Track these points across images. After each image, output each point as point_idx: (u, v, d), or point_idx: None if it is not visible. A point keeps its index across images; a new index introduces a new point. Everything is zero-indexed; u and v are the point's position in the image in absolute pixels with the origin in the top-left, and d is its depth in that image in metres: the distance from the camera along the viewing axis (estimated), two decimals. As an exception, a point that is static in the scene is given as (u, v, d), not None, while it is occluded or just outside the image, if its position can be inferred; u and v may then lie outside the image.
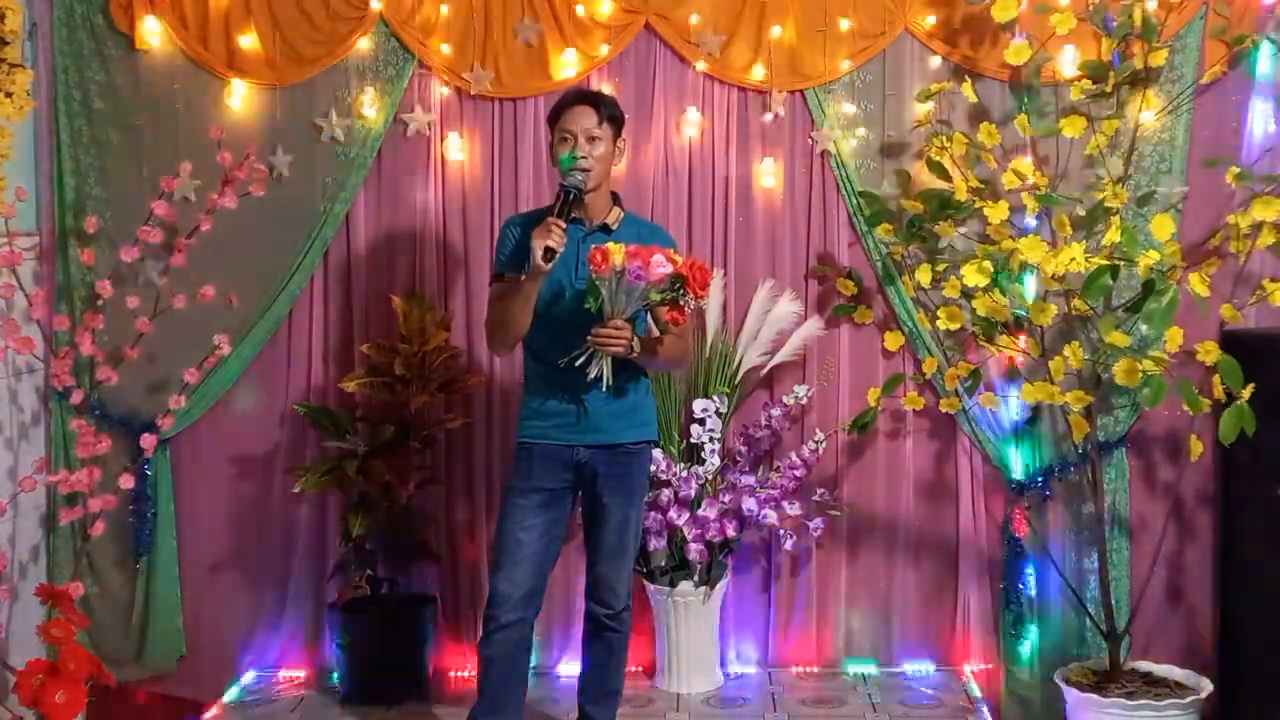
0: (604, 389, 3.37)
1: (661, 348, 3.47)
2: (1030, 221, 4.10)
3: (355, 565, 4.28)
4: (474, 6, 4.32)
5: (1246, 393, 3.69)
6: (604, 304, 3.29)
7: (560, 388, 3.47)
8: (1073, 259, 3.75)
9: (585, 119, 3.43)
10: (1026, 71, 4.15)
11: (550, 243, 3.25)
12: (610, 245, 3.29)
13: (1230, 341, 3.94)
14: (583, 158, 3.39)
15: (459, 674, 4.48)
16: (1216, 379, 3.76)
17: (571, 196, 3.36)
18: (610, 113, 3.48)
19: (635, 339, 3.35)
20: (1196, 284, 3.82)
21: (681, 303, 3.34)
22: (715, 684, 4.35)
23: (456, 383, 4.33)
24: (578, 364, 3.34)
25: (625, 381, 3.47)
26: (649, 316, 3.50)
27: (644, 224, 3.64)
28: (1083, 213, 3.97)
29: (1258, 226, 3.95)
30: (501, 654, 3.46)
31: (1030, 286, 4.12)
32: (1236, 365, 3.71)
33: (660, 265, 3.25)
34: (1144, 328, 4.01)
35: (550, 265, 3.28)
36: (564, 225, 3.29)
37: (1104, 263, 3.73)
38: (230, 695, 4.35)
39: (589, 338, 3.31)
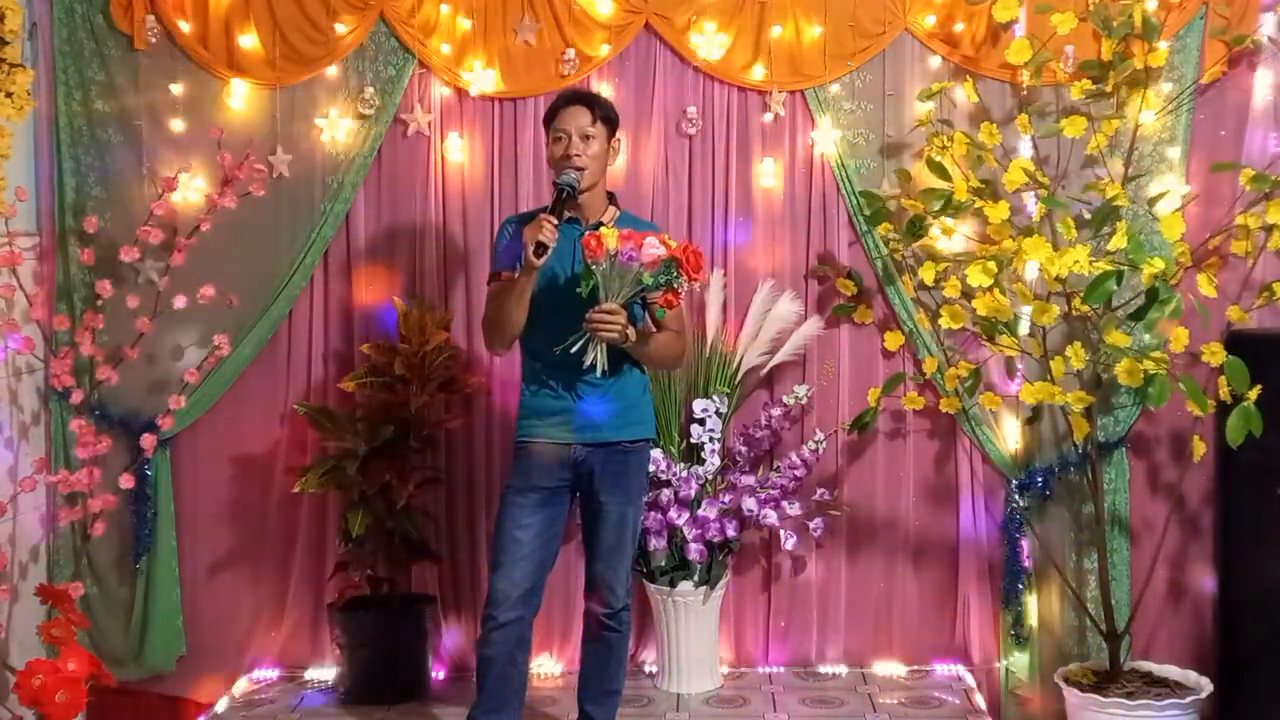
0: (599, 374, 3.39)
1: (656, 339, 3.49)
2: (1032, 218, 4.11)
3: (355, 565, 4.29)
4: (474, 6, 4.32)
5: (1253, 394, 3.68)
6: (598, 288, 3.30)
7: (558, 386, 3.48)
8: (1076, 261, 3.75)
9: (579, 118, 3.46)
10: (1027, 71, 4.15)
11: (542, 238, 3.28)
12: (604, 230, 3.33)
13: (1235, 342, 3.93)
14: (576, 156, 3.41)
15: (458, 674, 4.48)
16: (1222, 380, 3.75)
17: (565, 194, 3.38)
18: (604, 113, 3.52)
19: (630, 327, 3.37)
20: (1204, 285, 3.81)
21: (676, 285, 3.36)
22: (715, 684, 4.35)
23: (456, 383, 4.33)
24: (573, 350, 3.35)
25: (622, 379, 3.49)
26: (645, 314, 3.51)
27: (640, 222, 3.64)
28: (1089, 215, 3.98)
29: (1268, 229, 3.94)
30: (500, 653, 3.46)
31: (1030, 275, 4.11)
32: (1244, 367, 3.70)
33: (653, 247, 3.29)
34: (1145, 337, 3.99)
35: (542, 261, 3.30)
36: (556, 221, 3.31)
37: (1108, 268, 3.73)
38: (230, 695, 4.35)
39: (585, 322, 3.32)
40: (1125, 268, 3.74)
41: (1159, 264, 3.67)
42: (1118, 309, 4.02)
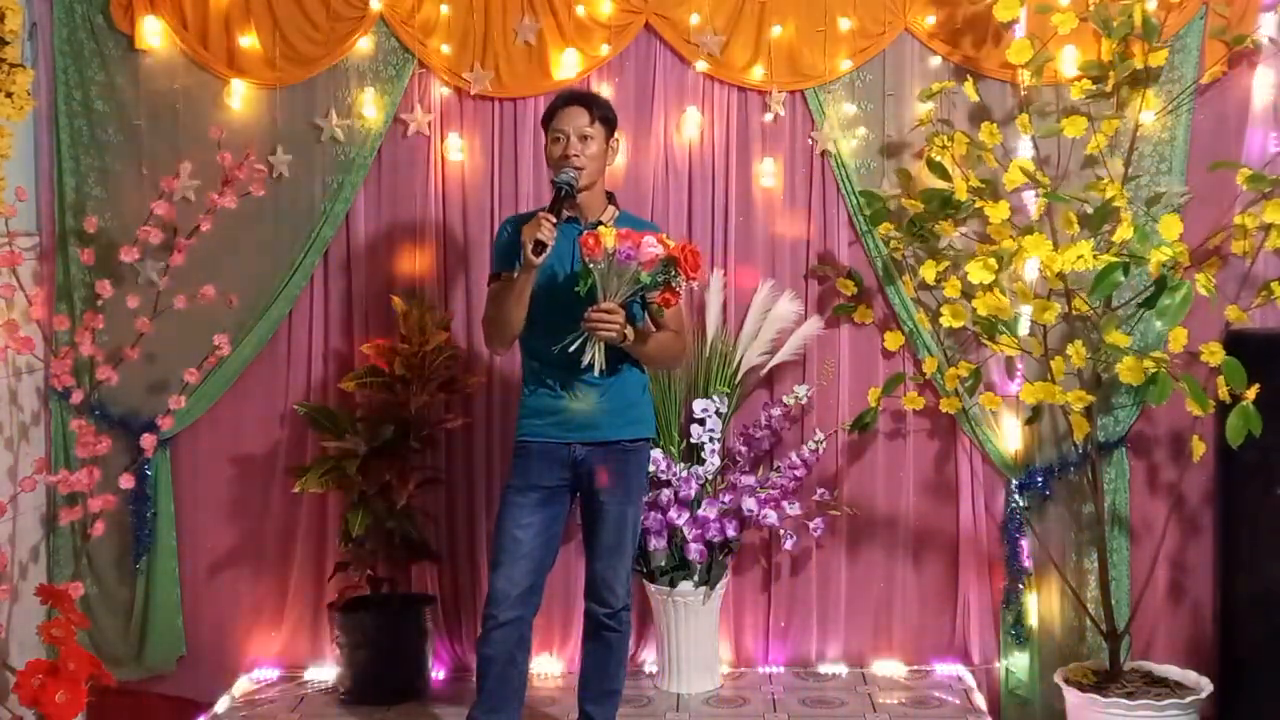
0: (597, 374, 3.39)
1: (656, 338, 3.50)
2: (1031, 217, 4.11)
3: (355, 565, 4.29)
4: (474, 6, 4.32)
5: (1251, 394, 3.68)
6: (596, 287, 3.31)
7: (556, 386, 3.48)
8: (1080, 257, 3.75)
9: (578, 118, 3.48)
10: (1027, 71, 4.15)
11: (540, 236, 3.29)
12: (602, 229, 3.34)
13: (1235, 342, 3.93)
14: (575, 155, 3.42)
15: (458, 674, 4.48)
16: (1221, 380, 3.76)
17: (563, 193, 3.39)
18: (603, 113, 3.53)
19: (629, 327, 3.37)
20: (1203, 284, 3.82)
21: (674, 284, 3.37)
22: (715, 684, 4.35)
23: (456, 383, 4.33)
24: (571, 350, 3.36)
25: (621, 378, 3.50)
26: (645, 313, 3.52)
27: (640, 222, 3.65)
28: (1090, 211, 3.98)
29: (1266, 228, 3.94)
30: (500, 652, 3.46)
31: (1031, 275, 4.11)
32: (1240, 367, 3.70)
33: (651, 246, 3.29)
34: (1157, 324, 3.97)
35: (541, 259, 3.31)
36: (554, 220, 3.31)
37: (1114, 260, 3.73)
38: (231, 695, 4.35)
39: (583, 321, 3.33)
40: (1130, 259, 3.74)
41: (1166, 252, 3.67)
42: (1118, 308, 4.03)
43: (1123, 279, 3.74)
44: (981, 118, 4.20)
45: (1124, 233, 3.77)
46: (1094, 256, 3.75)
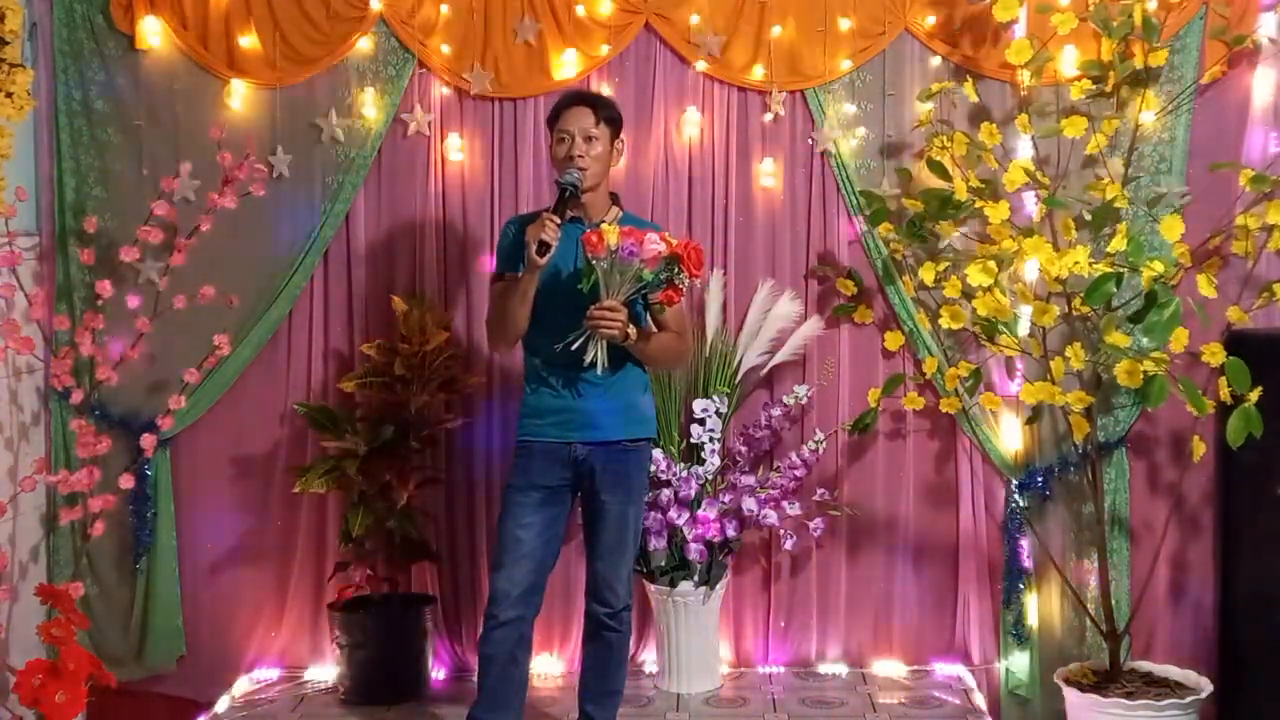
0: (599, 372, 3.39)
1: (658, 339, 3.50)
2: (1031, 213, 4.11)
3: (355, 565, 4.29)
4: (474, 6, 4.32)
5: (1254, 395, 3.68)
6: (599, 285, 3.31)
7: (558, 385, 3.49)
8: (1076, 263, 3.75)
9: (582, 119, 3.48)
10: (1027, 71, 4.15)
11: (545, 236, 3.29)
12: (604, 226, 3.35)
13: (1236, 343, 3.93)
14: (579, 156, 3.42)
15: (458, 674, 4.48)
16: (1223, 381, 3.75)
17: (568, 194, 3.39)
18: (608, 114, 3.53)
19: (631, 326, 3.38)
20: (1203, 285, 3.81)
21: (677, 282, 3.37)
22: (715, 684, 4.35)
23: (456, 383, 4.33)
24: (574, 348, 3.36)
25: (623, 378, 3.50)
26: (648, 314, 3.52)
27: (642, 223, 3.65)
28: (1089, 216, 3.98)
29: (1268, 229, 3.94)
30: (500, 652, 3.47)
31: (1031, 276, 4.11)
32: (1245, 367, 3.70)
33: (653, 243, 3.30)
34: (1143, 341, 3.99)
35: (545, 260, 3.32)
36: (558, 221, 3.32)
37: (1108, 270, 3.73)
38: (231, 695, 4.35)
39: (585, 319, 3.33)
40: (1125, 270, 3.75)
41: (1159, 266, 3.67)
42: (1118, 309, 4.03)
43: (1115, 290, 3.74)
44: (981, 118, 4.21)
45: (1118, 244, 3.77)
46: (1089, 264, 3.76)
